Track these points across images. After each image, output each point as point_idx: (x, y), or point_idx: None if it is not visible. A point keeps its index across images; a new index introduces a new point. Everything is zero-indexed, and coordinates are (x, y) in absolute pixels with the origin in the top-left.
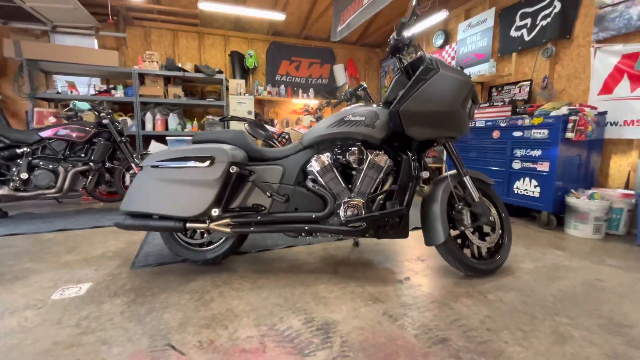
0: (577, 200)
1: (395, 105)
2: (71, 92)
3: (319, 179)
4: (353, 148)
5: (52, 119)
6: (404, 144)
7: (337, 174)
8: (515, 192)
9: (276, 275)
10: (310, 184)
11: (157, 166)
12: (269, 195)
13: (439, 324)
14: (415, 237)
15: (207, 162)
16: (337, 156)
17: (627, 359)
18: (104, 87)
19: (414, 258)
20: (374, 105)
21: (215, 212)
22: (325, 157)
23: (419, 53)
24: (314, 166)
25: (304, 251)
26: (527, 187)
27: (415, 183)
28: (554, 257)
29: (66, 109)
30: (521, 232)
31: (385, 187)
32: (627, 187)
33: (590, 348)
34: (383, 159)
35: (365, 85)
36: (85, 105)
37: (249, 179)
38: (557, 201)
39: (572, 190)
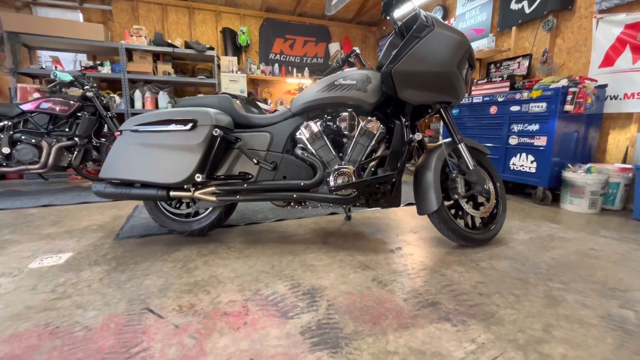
0: (574, 174)
1: (388, 66)
2: (55, 67)
3: (309, 146)
4: (344, 114)
5: (36, 95)
6: (397, 110)
7: (327, 141)
8: (512, 168)
9: (264, 245)
10: (299, 152)
11: (136, 130)
12: (256, 162)
13: (429, 289)
14: (409, 211)
15: (189, 125)
16: (328, 123)
17: (620, 320)
18: (90, 63)
19: (407, 230)
20: (367, 69)
21: (199, 178)
22: (315, 124)
23: (412, 9)
24: (304, 134)
25: (294, 224)
26: (523, 163)
27: (407, 149)
28: (548, 229)
29: (50, 85)
30: (516, 207)
31: (378, 154)
32: (624, 162)
33: (583, 310)
34: (375, 126)
35: (358, 50)
36: (67, 77)
37: (235, 146)
38: (553, 176)
39: (569, 165)
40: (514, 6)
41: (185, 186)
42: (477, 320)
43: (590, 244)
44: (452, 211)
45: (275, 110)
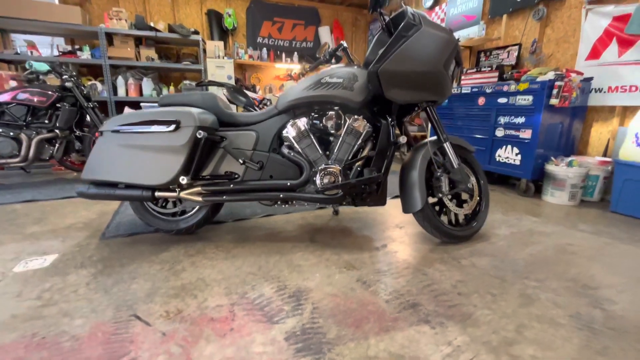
0: (556, 167)
1: (374, 65)
2: (31, 52)
3: (295, 145)
4: (330, 113)
5: (12, 83)
6: (383, 108)
7: (314, 140)
8: (497, 160)
9: (252, 244)
10: (285, 151)
11: (118, 131)
12: (242, 162)
13: (411, 289)
14: (395, 204)
15: (172, 127)
16: (314, 121)
17: (588, 319)
18: (69, 48)
19: (393, 225)
20: (354, 67)
21: (183, 180)
22: (302, 123)
23: (401, 7)
24: (290, 132)
25: (282, 219)
26: (508, 155)
27: (393, 149)
28: (529, 223)
29: (27, 72)
30: (500, 199)
31: (364, 154)
32: (605, 154)
33: (554, 310)
34: (362, 125)
35: (345, 44)
36: (43, 66)
37: (220, 145)
38: (536, 169)
39: (552, 158)
40: None
41: (170, 186)
42: (454, 322)
43: (568, 238)
44: (437, 207)
45: (264, 99)
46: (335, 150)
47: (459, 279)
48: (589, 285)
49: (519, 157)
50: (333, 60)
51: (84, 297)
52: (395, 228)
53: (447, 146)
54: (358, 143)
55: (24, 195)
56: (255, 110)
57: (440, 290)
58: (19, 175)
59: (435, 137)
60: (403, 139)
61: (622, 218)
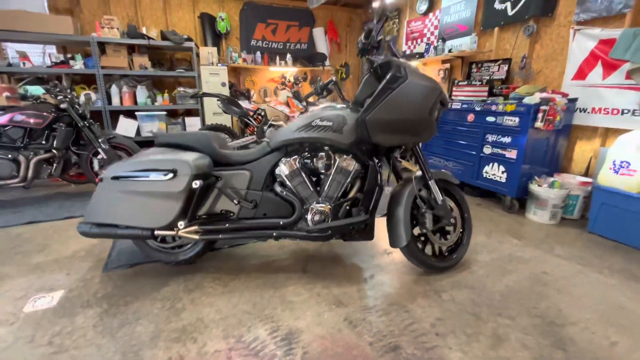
0: (539, 188)
1: (362, 115)
2: (23, 64)
3: (288, 183)
4: (321, 153)
5: (6, 94)
6: (372, 148)
7: (305, 178)
8: (484, 176)
9: (248, 276)
10: (278, 189)
11: (117, 177)
12: (236, 202)
13: (393, 329)
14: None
15: (170, 175)
16: (305, 160)
17: None
18: (61, 57)
19: (381, 251)
20: (339, 107)
21: (181, 225)
22: (294, 161)
23: (388, 57)
24: (283, 170)
25: (276, 245)
26: (495, 172)
27: (380, 191)
28: (509, 247)
29: (21, 84)
30: (485, 215)
31: (352, 193)
32: (587, 172)
33: (522, 352)
34: (351, 164)
35: (335, 79)
36: (38, 90)
37: (215, 186)
38: (521, 187)
39: (536, 178)
40: (497, 6)
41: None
42: None
43: (543, 265)
44: (422, 237)
45: (258, 109)
46: (326, 188)
47: (438, 316)
48: (556, 322)
49: (505, 175)
50: (323, 93)
51: (93, 342)
52: (383, 255)
53: (432, 184)
54: (347, 181)
55: (25, 215)
56: (250, 120)
57: (420, 330)
58: (17, 189)
59: (420, 173)
60: (387, 190)
61: (598, 239)
